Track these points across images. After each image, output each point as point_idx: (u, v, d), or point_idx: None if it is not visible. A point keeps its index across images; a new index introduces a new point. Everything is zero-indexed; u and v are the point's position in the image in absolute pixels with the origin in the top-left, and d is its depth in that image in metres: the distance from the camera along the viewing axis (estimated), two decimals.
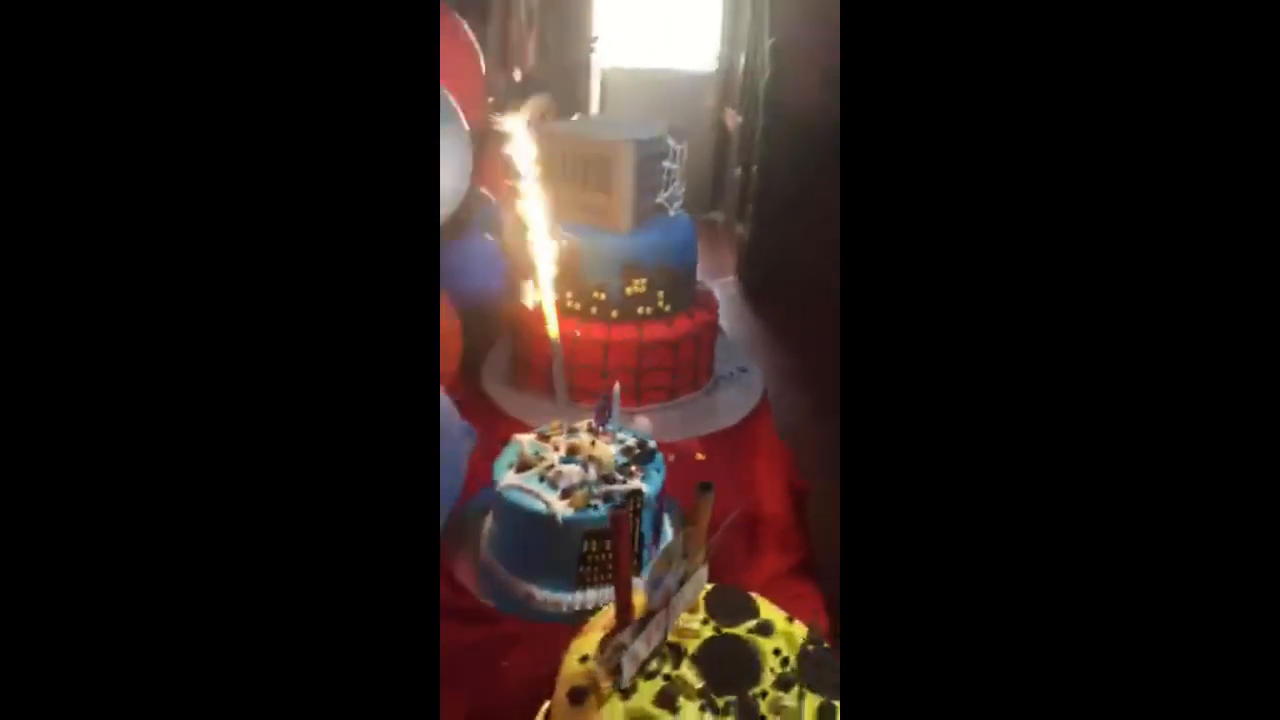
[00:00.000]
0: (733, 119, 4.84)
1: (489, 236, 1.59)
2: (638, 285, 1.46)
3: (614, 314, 1.46)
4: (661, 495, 1.11)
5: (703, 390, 1.62)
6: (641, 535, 1.04)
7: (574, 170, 1.45)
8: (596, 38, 4.73)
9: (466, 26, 1.50)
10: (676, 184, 1.56)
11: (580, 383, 1.46)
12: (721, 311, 4.60)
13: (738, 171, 4.56)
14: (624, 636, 0.63)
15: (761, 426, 1.57)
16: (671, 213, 1.58)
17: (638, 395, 1.50)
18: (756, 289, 4.18)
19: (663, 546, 0.66)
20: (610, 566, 1.02)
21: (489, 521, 1.13)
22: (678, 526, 1.19)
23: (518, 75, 3.80)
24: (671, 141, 1.51)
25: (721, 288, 4.46)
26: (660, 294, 1.48)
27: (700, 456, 1.42)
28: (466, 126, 1.23)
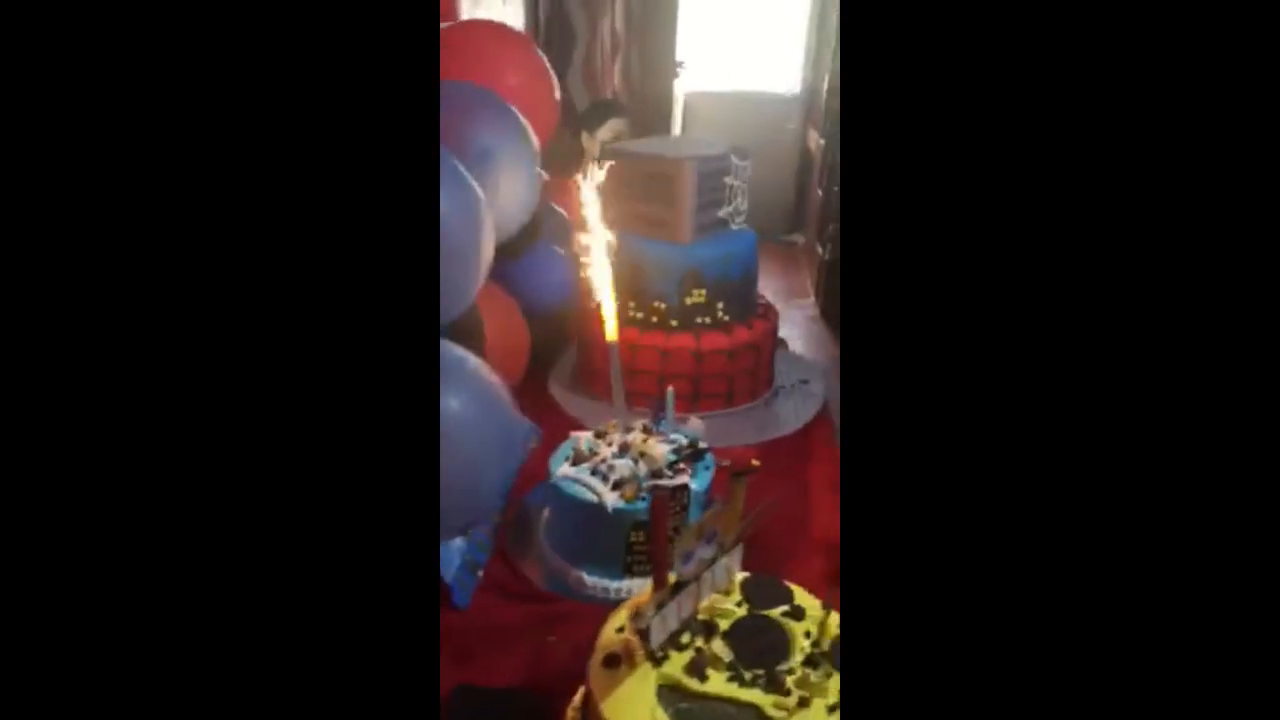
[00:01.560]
0: (815, 141, 4.83)
1: (559, 249, 1.69)
2: (697, 296, 1.51)
3: (673, 323, 1.52)
4: (710, 494, 1.14)
5: (761, 400, 1.64)
6: None
7: (640, 186, 1.52)
8: (681, 63, 4.82)
9: (540, 50, 1.61)
10: (740, 199, 1.61)
11: (640, 388, 1.51)
12: (799, 333, 4.48)
13: (820, 193, 4.55)
14: (653, 601, 0.68)
15: (820, 437, 1.58)
16: (734, 226, 1.62)
17: (695, 401, 1.54)
18: (835, 311, 4.13)
19: (693, 522, 0.70)
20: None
21: (546, 511, 1.19)
22: None
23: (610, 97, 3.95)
24: (735, 158, 1.56)
25: (800, 309, 4.44)
26: (719, 305, 1.53)
27: (755, 463, 1.45)
28: (536, 145, 1.33)
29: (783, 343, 1.94)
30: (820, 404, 1.66)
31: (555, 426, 1.47)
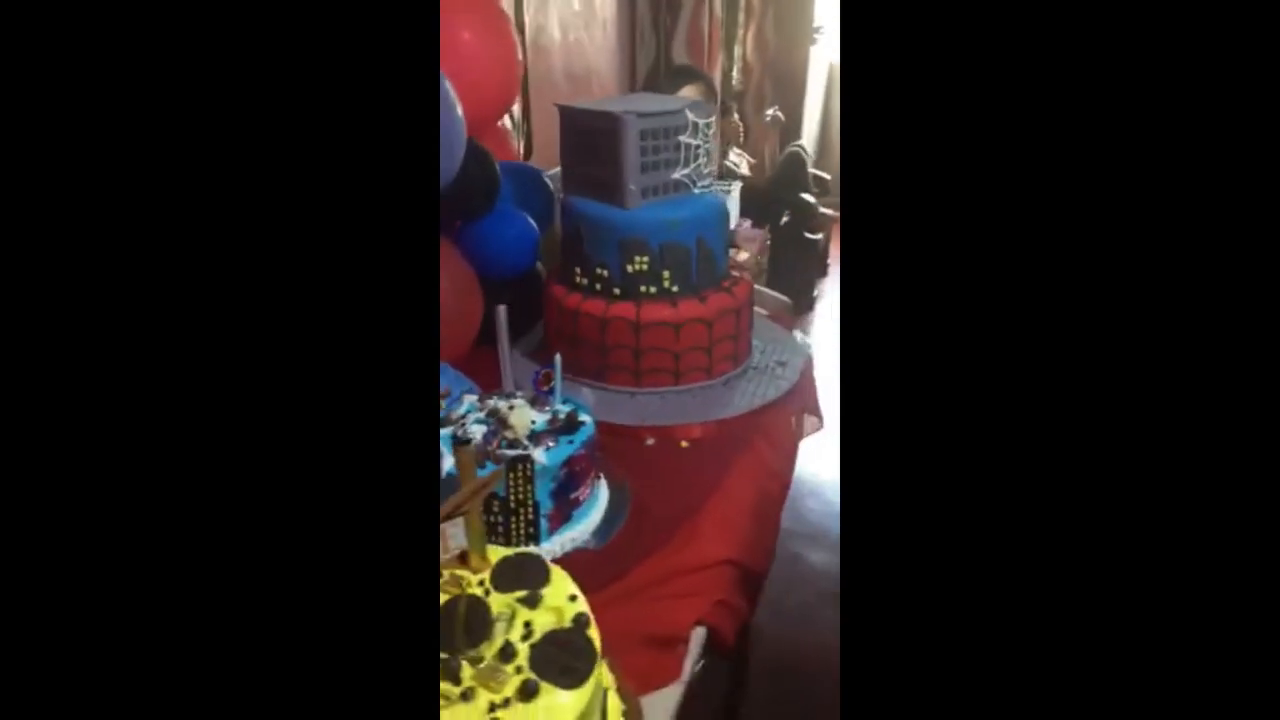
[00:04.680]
0: None
1: (524, 214, 1.65)
2: (639, 263, 1.41)
3: (616, 291, 1.44)
4: (584, 466, 1.08)
5: (720, 379, 1.52)
6: (537, 503, 1.02)
7: (584, 144, 1.45)
8: (820, 28, 4.49)
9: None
10: (702, 160, 1.49)
11: (581, 357, 1.45)
12: None
13: None
14: None
15: (776, 423, 1.45)
16: (696, 190, 1.51)
17: (637, 376, 1.46)
18: None
19: None
20: (498, 524, 1.03)
21: None
22: (617, 502, 1.15)
23: (736, 72, 3.87)
24: (692, 115, 1.44)
25: None
26: (665, 274, 1.42)
27: (684, 444, 1.35)
28: (459, 111, 1.29)
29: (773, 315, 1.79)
30: (785, 389, 1.51)
31: None
